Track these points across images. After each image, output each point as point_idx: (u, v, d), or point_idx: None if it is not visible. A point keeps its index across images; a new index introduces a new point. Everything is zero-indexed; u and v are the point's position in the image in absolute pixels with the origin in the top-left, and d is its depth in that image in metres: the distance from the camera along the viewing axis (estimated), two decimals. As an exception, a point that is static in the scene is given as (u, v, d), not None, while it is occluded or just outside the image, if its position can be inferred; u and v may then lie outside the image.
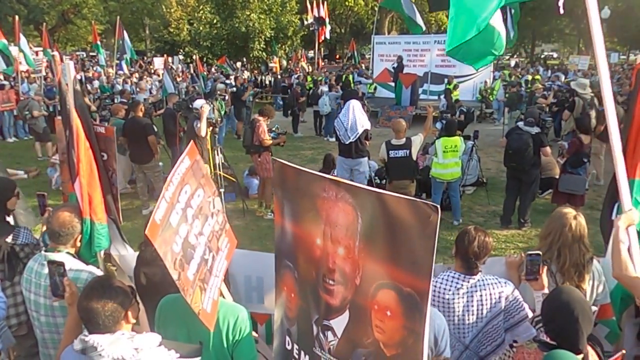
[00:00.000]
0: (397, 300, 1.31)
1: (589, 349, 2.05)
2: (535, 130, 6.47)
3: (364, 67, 21.42)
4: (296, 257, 1.70)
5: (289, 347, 1.81)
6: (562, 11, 2.37)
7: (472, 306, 2.48)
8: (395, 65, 15.78)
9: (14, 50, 14.15)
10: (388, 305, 1.34)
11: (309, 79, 18.99)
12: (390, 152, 6.27)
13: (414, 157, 6.40)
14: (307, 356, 1.71)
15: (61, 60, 3.91)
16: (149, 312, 2.65)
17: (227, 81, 17.64)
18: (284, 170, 1.72)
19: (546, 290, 2.53)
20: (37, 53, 16.46)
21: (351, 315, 1.47)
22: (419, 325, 1.27)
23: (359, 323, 1.44)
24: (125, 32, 19.28)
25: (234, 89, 14.81)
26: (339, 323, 1.52)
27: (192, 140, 2.34)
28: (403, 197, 1.26)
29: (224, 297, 2.24)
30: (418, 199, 1.24)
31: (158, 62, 24.69)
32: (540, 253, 2.55)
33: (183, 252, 1.86)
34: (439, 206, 1.20)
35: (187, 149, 2.06)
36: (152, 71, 22.59)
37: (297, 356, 1.77)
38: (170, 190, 1.83)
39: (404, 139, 6.34)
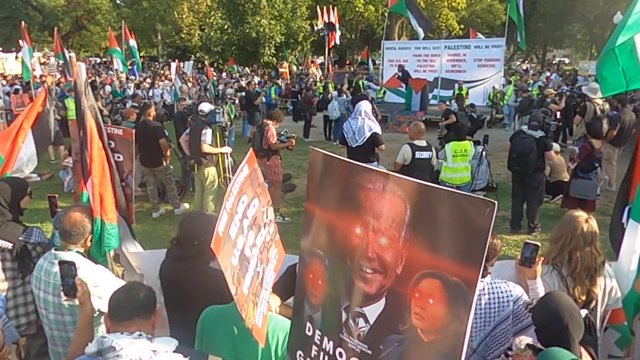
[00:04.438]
0: (441, 289, 1.35)
1: (583, 351, 2.04)
2: (539, 134, 6.45)
3: (377, 75, 21.46)
4: (329, 246, 1.72)
5: (309, 333, 1.82)
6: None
7: (480, 309, 2.46)
8: (400, 74, 15.79)
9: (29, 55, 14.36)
10: (431, 293, 1.38)
11: (318, 84, 19.05)
12: (416, 153, 6.16)
13: None
14: (331, 342, 1.72)
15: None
16: (171, 306, 2.68)
17: (231, 80, 17.72)
18: (325, 160, 1.72)
19: (539, 280, 2.59)
20: (49, 58, 16.72)
21: (388, 302, 1.51)
22: (464, 312, 1.32)
23: (396, 310, 1.48)
24: (130, 37, 19.48)
25: (243, 93, 14.93)
26: (373, 310, 1.55)
27: (251, 148, 2.31)
28: (458, 192, 1.31)
29: (271, 310, 2.21)
30: (473, 195, 1.30)
31: (174, 67, 24.97)
32: (539, 244, 2.59)
33: (240, 265, 1.83)
34: (495, 201, 1.24)
35: (247, 157, 1.99)
36: (165, 76, 22.82)
37: (318, 342, 1.77)
38: (230, 201, 1.77)
39: (425, 141, 6.30)
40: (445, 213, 1.33)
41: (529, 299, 2.52)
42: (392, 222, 1.45)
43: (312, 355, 1.80)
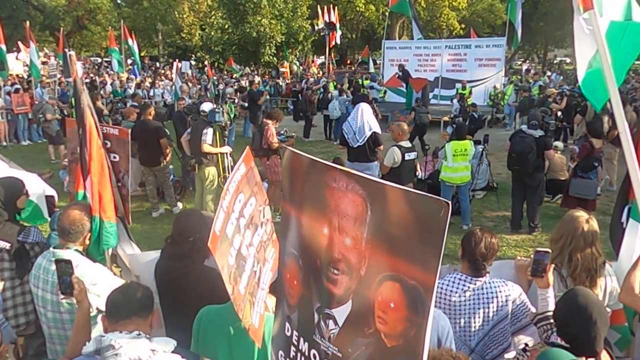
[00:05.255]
0: (401, 293, 1.31)
1: (603, 350, 2.01)
2: (538, 133, 6.45)
3: (378, 75, 21.41)
4: (301, 245, 1.70)
5: (289, 333, 1.81)
6: None
7: (479, 309, 2.45)
8: (400, 73, 15.77)
9: (24, 56, 14.42)
10: (392, 297, 1.34)
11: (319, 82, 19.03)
12: (405, 154, 6.14)
13: None
14: (306, 343, 1.71)
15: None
16: (166, 305, 2.68)
17: (232, 79, 17.64)
18: (294, 158, 1.71)
19: (551, 290, 2.50)
20: (49, 58, 16.74)
21: (354, 305, 1.49)
22: (422, 318, 1.27)
23: (362, 313, 1.45)
24: (129, 36, 19.46)
25: (245, 92, 14.89)
26: (341, 312, 1.53)
27: (247, 147, 2.30)
28: (414, 192, 1.27)
29: (268, 310, 2.21)
30: (429, 194, 1.24)
31: (175, 67, 25.00)
32: (550, 251, 2.51)
33: (236, 264, 1.82)
34: (449, 202, 1.20)
35: (243, 156, 1.98)
36: (165, 75, 22.83)
37: (296, 342, 1.77)
38: (227, 200, 1.77)
39: (408, 141, 6.28)
40: (401, 213, 1.29)
41: (538, 309, 2.45)
42: (354, 222, 1.43)
43: (291, 356, 1.80)
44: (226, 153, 7.17)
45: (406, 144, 6.19)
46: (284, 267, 1.84)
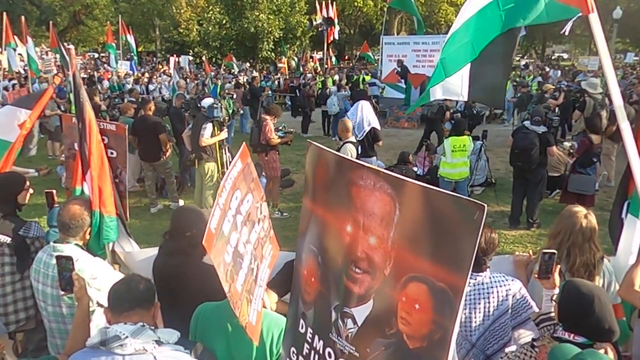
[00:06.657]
0: (427, 294, 1.30)
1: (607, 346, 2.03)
2: (541, 129, 6.45)
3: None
4: (322, 242, 1.68)
5: (302, 330, 1.80)
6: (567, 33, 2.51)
7: (479, 304, 2.46)
8: (399, 69, 15.74)
9: (21, 51, 14.34)
10: (417, 298, 1.32)
11: (317, 78, 18.98)
12: (358, 149, 6.26)
13: None
14: (321, 341, 1.70)
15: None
16: (163, 303, 2.66)
17: (229, 75, 17.60)
18: (319, 154, 1.69)
19: (557, 291, 2.49)
20: (47, 53, 16.64)
21: (375, 304, 1.47)
22: (449, 321, 1.26)
23: (383, 313, 1.44)
24: (127, 31, 19.38)
25: (242, 89, 14.85)
26: (361, 312, 1.51)
27: (244, 142, 2.28)
28: (449, 193, 1.25)
29: (265, 307, 2.19)
30: (463, 196, 1.23)
31: (172, 62, 24.93)
32: (556, 252, 2.49)
33: (233, 262, 1.80)
34: (484, 205, 1.17)
35: (240, 152, 1.96)
36: (163, 71, 22.76)
37: (310, 340, 1.75)
38: (223, 197, 1.74)
39: (353, 137, 6.31)
40: (433, 214, 1.28)
41: (543, 309, 2.42)
42: (381, 221, 1.41)
43: (304, 354, 1.78)
44: (224, 149, 7.16)
45: (352, 139, 6.23)
46: (301, 263, 1.81)
